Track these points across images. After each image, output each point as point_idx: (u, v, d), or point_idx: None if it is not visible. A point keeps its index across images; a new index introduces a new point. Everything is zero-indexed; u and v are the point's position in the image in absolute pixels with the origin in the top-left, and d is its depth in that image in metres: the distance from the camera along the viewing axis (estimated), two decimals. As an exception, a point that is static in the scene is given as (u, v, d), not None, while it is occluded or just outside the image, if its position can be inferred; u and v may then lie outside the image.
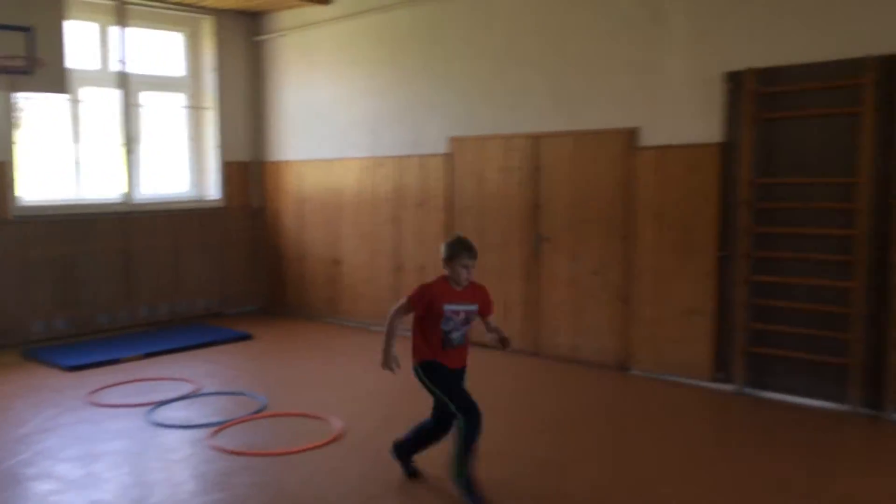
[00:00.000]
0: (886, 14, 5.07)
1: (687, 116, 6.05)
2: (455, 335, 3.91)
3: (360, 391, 6.00)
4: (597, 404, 5.76)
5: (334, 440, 4.80)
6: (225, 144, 9.19)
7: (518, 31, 7.02)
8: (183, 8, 8.71)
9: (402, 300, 3.96)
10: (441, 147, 7.67)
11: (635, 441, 4.91)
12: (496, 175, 7.30)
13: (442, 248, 3.92)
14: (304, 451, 4.62)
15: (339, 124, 8.58)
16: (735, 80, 5.72)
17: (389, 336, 3.95)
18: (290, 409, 5.46)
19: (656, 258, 6.30)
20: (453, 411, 3.86)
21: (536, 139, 6.97)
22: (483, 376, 6.60)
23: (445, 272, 3.91)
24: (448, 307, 3.85)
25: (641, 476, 4.30)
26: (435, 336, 3.90)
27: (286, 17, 8.97)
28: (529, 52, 6.95)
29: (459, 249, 3.85)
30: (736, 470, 4.39)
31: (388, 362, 3.93)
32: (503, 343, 4.07)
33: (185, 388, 5.99)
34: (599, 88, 6.53)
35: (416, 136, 7.89)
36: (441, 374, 3.91)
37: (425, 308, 3.87)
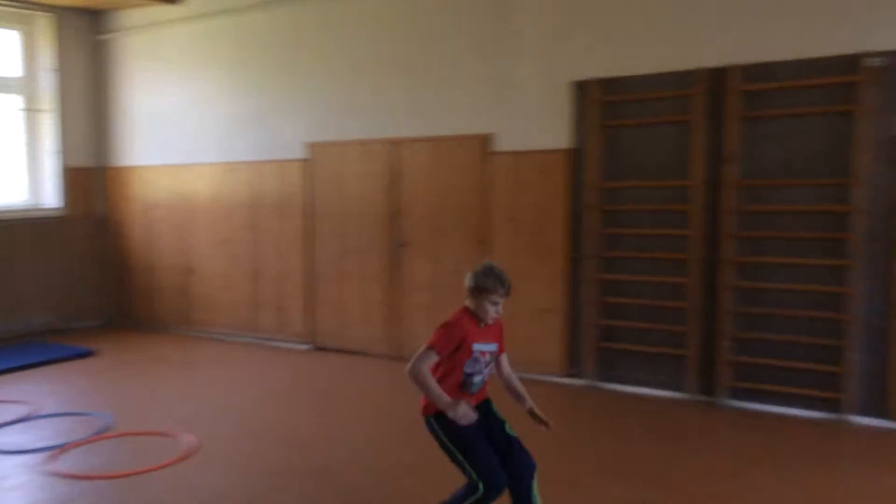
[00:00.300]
0: (713, 31, 5.49)
1: (538, 123, 6.28)
2: (477, 378, 3.26)
3: (214, 405, 5.78)
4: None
5: (185, 457, 4.58)
6: (66, 149, 8.60)
7: (377, 37, 7.03)
8: (19, 4, 8.09)
9: (423, 350, 3.15)
10: (300, 152, 7.55)
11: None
12: (356, 180, 7.27)
13: (469, 278, 3.28)
14: (151, 470, 4.38)
15: (190, 128, 8.25)
16: (582, 89, 6.00)
17: (429, 386, 3.14)
18: (138, 427, 5.17)
19: (511, 260, 6.47)
20: (472, 480, 3.16)
21: (396, 144, 7.01)
22: (344, 382, 6.63)
23: (467, 304, 3.29)
24: (477, 346, 3.22)
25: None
26: (453, 379, 3.22)
27: (132, 16, 8.53)
28: (388, 57, 6.98)
29: (494, 283, 3.23)
30: (589, 458, 4.60)
31: (458, 408, 3.11)
32: (539, 421, 3.35)
33: (21, 411, 5.53)
34: (455, 95, 6.66)
35: (273, 140, 7.72)
36: (461, 429, 3.17)
37: (452, 351, 3.19)
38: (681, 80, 5.61)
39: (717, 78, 5.46)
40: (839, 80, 5.03)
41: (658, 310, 5.86)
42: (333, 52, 7.29)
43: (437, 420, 3.24)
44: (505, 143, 6.46)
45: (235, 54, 7.88)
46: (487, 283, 3.23)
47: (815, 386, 5.25)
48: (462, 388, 3.23)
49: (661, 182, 5.77)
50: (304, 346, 7.68)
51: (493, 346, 3.32)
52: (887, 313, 5.01)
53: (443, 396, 3.11)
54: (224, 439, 4.91)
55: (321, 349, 7.58)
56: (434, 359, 3.14)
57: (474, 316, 3.27)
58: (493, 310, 3.25)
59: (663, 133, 5.75)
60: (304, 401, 5.91)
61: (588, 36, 6.00)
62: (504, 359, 3.47)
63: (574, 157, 6.13)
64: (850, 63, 4.98)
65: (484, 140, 6.54)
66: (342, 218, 7.36)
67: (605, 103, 5.94)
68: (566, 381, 6.25)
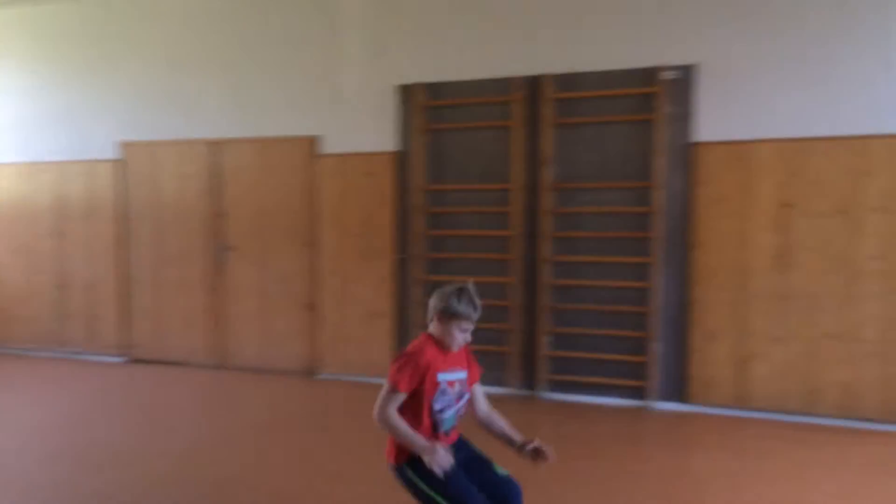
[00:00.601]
0: (529, 41, 5.77)
1: (365, 126, 6.30)
2: (449, 413, 2.86)
3: (6, 428, 5.25)
4: (284, 412, 5.71)
5: (-25, 483, 4.13)
6: None
7: (197, 32, 6.75)
8: None
9: (385, 390, 2.76)
10: (111, 152, 7.08)
11: (322, 444, 4.94)
12: (174, 182, 6.92)
13: (435, 301, 2.88)
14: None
15: (-16, 124, 7.50)
16: (406, 93, 6.09)
17: (401, 431, 2.76)
18: (-82, 453, 4.60)
19: (340, 264, 6.45)
20: None
21: (217, 145, 6.75)
22: (161, 396, 6.27)
23: (431, 330, 2.90)
24: (442, 376, 2.83)
25: (331, 478, 4.34)
26: (422, 418, 2.80)
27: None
28: (207, 55, 6.72)
29: (464, 308, 2.84)
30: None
31: (433, 452, 2.72)
32: (540, 455, 2.85)
33: None
34: (280, 96, 6.53)
35: (81, 140, 7.18)
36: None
37: (415, 385, 2.79)
38: (500, 86, 5.85)
39: (532, 86, 5.73)
40: (639, 90, 5.45)
41: (483, 308, 6.02)
42: (149, 46, 6.91)
43: (412, 466, 2.81)
44: (332, 146, 6.41)
45: (37, 48, 7.27)
46: (460, 308, 2.83)
47: (624, 375, 5.63)
48: (435, 427, 2.83)
49: (483, 185, 5.97)
50: (118, 359, 7.19)
51: (461, 374, 2.92)
52: (684, 306, 5.48)
53: (418, 438, 2.75)
54: (20, 466, 4.47)
55: (138, 361, 7.13)
56: (399, 397, 2.75)
57: (438, 343, 2.87)
58: (462, 337, 2.88)
59: (485, 137, 5.96)
60: (118, 417, 5.51)
61: (412, 41, 6.10)
62: (479, 392, 3.04)
63: (400, 159, 6.20)
64: (648, 75, 5.41)
65: (311, 142, 6.46)
66: (160, 222, 6.98)
67: (429, 107, 6.06)
68: (395, 382, 6.28)
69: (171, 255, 6.96)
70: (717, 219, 5.35)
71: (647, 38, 5.45)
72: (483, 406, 3.04)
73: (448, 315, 2.84)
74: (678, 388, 5.53)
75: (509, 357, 5.93)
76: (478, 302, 2.90)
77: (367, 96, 6.26)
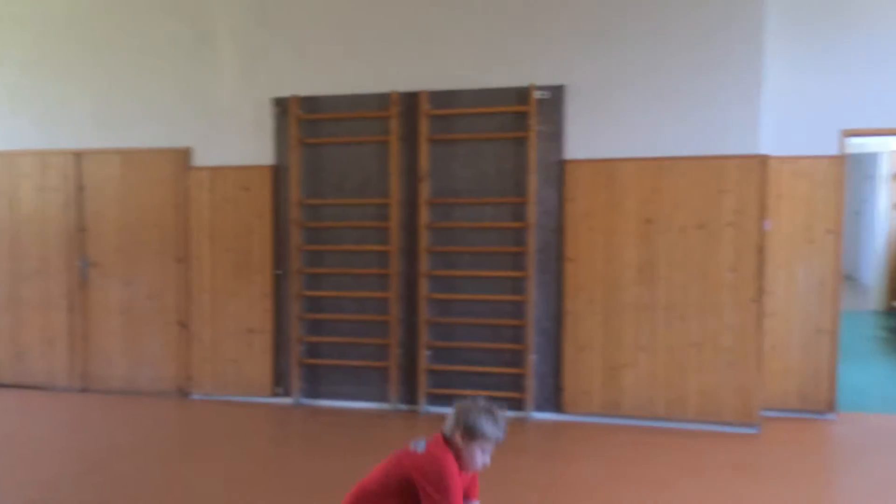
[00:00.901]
0: (406, 57, 5.79)
1: (240, 138, 6.13)
2: None
3: None
4: (154, 435, 5.45)
5: None
6: None
7: (55, 39, 6.39)
8: None
9: None
10: (-40, 162, 6.58)
11: (195, 470, 4.75)
12: (32, 195, 6.51)
13: (463, 416, 2.68)
14: None
15: None
16: (282, 106, 5.98)
17: None
18: None
19: (214, 279, 6.24)
20: None
21: (79, 156, 6.40)
22: (23, 420, 5.86)
23: (450, 448, 2.68)
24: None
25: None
26: None
27: None
28: (69, 61, 6.38)
29: (494, 431, 2.67)
30: (296, 477, 4.53)
31: None
32: None
33: None
34: (149, 106, 6.26)
35: (-75, 147, 6.63)
36: None
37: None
38: (378, 101, 5.84)
39: (410, 102, 5.76)
40: (513, 109, 5.58)
41: (362, 324, 6.01)
42: (5, 50, 6.48)
43: None
44: (206, 158, 6.21)
45: None
46: (489, 430, 2.66)
47: (502, 387, 5.73)
48: None
49: (362, 199, 5.93)
50: (-31, 385, 6.67)
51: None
52: (558, 318, 5.64)
53: None
54: None
55: (-8, 387, 6.65)
56: None
57: (457, 461, 2.68)
58: (482, 460, 2.71)
59: (363, 152, 5.93)
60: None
61: (288, 53, 6.00)
62: None
63: (277, 173, 6.07)
64: (521, 94, 5.55)
65: (183, 154, 6.23)
66: (14, 237, 6.55)
67: (306, 121, 5.97)
68: (273, 400, 6.14)
69: (29, 271, 6.53)
70: (587, 234, 5.54)
71: (520, 58, 5.59)
72: None
73: (475, 434, 2.65)
74: (553, 399, 5.68)
75: (389, 372, 5.92)
76: (504, 424, 2.74)
77: (242, 108, 6.10)
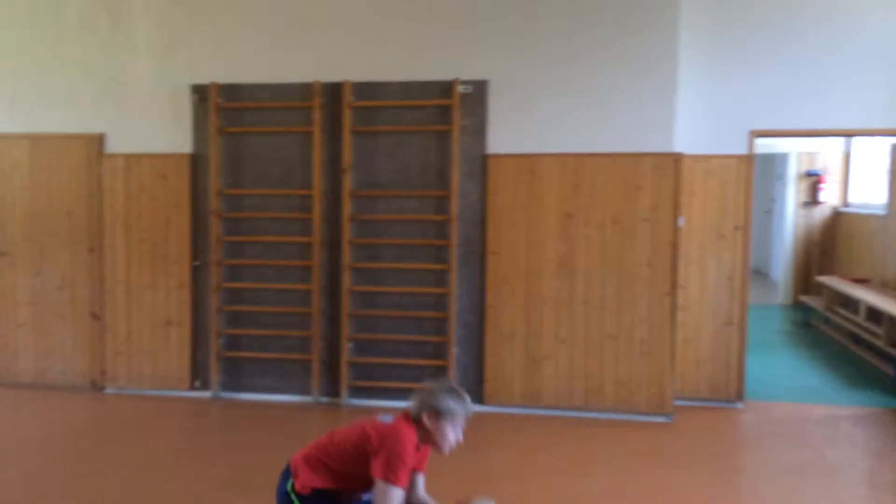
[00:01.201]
0: (329, 46, 5.73)
1: (157, 125, 5.96)
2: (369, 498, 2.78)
3: None
4: (65, 430, 5.26)
5: None
6: None
7: (-44, 14, 6.07)
8: None
9: (392, 490, 2.62)
10: None
11: (106, 464, 4.61)
12: (-68, 180, 6.18)
13: (428, 398, 2.76)
14: None
15: None
16: (200, 93, 5.84)
17: None
18: None
19: (129, 270, 6.06)
20: None
21: (-16, 140, 6.10)
22: None
23: (415, 426, 2.75)
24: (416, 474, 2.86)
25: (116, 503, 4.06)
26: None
27: None
28: (-29, 39, 6.06)
29: (460, 406, 2.77)
30: (215, 472, 4.46)
31: None
32: None
33: None
34: (60, 90, 6.03)
35: None
36: None
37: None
38: (300, 91, 5.76)
39: (333, 92, 5.71)
40: (437, 102, 5.59)
41: (283, 316, 5.93)
42: None
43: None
44: (120, 145, 6.01)
45: None
46: (456, 406, 2.76)
47: (425, 379, 5.73)
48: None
49: (284, 190, 5.85)
50: None
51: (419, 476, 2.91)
52: (480, 311, 5.70)
53: None
54: None
55: None
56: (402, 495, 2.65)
57: (423, 439, 2.77)
58: (454, 436, 2.78)
59: (285, 142, 5.84)
60: None
61: (207, 39, 5.86)
62: (421, 480, 2.96)
63: (196, 162, 5.93)
64: (446, 88, 5.57)
65: (95, 140, 6.01)
66: (-87, 224, 6.20)
67: (226, 109, 5.85)
68: (192, 394, 6.01)
69: (-72, 261, 6.21)
70: (509, 228, 5.61)
71: (444, 52, 5.60)
72: (422, 490, 2.96)
73: (442, 414, 2.74)
74: (476, 390, 5.74)
75: (311, 365, 5.87)
76: (469, 398, 2.84)
77: (158, 94, 5.92)
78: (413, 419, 2.77)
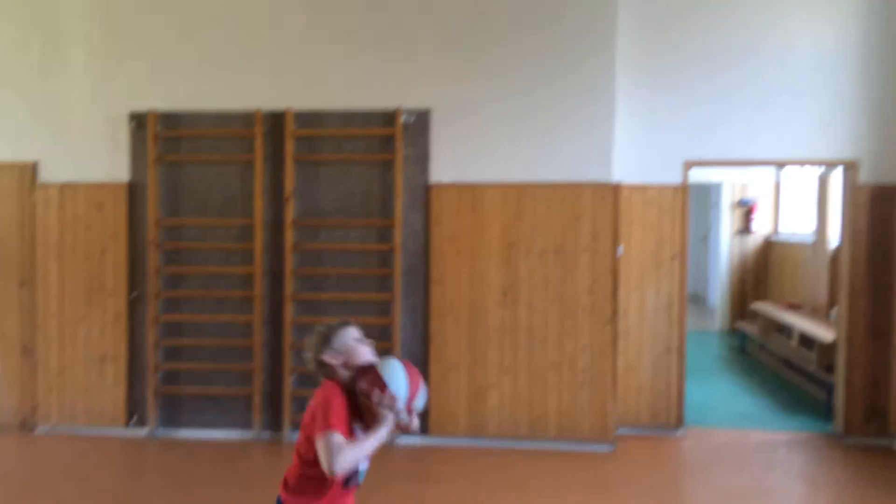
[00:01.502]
0: (271, 75, 5.70)
1: (93, 153, 5.82)
2: (365, 465, 2.67)
3: None
4: (-12, 474, 5.03)
5: None
6: None
7: None
8: None
9: (330, 436, 2.42)
10: None
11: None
12: None
13: (318, 344, 2.65)
14: None
15: None
16: (139, 121, 5.74)
17: (366, 446, 2.49)
18: None
19: (62, 303, 5.86)
20: None
21: None
22: None
23: (336, 382, 2.61)
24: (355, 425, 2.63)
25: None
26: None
27: None
28: None
29: (346, 328, 2.69)
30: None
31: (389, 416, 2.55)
32: None
33: None
34: (-10, 116, 5.85)
35: None
36: None
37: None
38: (242, 120, 5.72)
39: (275, 121, 5.68)
40: (380, 132, 5.61)
41: (224, 350, 5.81)
42: None
43: None
44: (54, 174, 5.85)
45: None
46: (343, 331, 2.67)
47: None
48: (346, 482, 2.61)
49: (225, 220, 5.77)
50: None
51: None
52: (425, 341, 5.68)
53: (377, 430, 2.51)
54: None
55: None
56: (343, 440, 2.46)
57: (350, 384, 2.62)
58: (364, 349, 2.66)
59: (227, 171, 5.77)
60: None
61: (145, 66, 5.77)
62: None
63: (134, 191, 5.81)
64: (388, 118, 5.60)
65: (27, 168, 5.83)
66: None
67: (165, 138, 5.76)
68: (128, 432, 5.81)
69: None
70: (453, 257, 5.63)
71: (387, 81, 5.63)
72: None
73: (338, 344, 2.63)
74: (420, 421, 5.67)
75: (253, 399, 5.74)
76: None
77: (95, 122, 5.79)
78: (327, 379, 2.64)
